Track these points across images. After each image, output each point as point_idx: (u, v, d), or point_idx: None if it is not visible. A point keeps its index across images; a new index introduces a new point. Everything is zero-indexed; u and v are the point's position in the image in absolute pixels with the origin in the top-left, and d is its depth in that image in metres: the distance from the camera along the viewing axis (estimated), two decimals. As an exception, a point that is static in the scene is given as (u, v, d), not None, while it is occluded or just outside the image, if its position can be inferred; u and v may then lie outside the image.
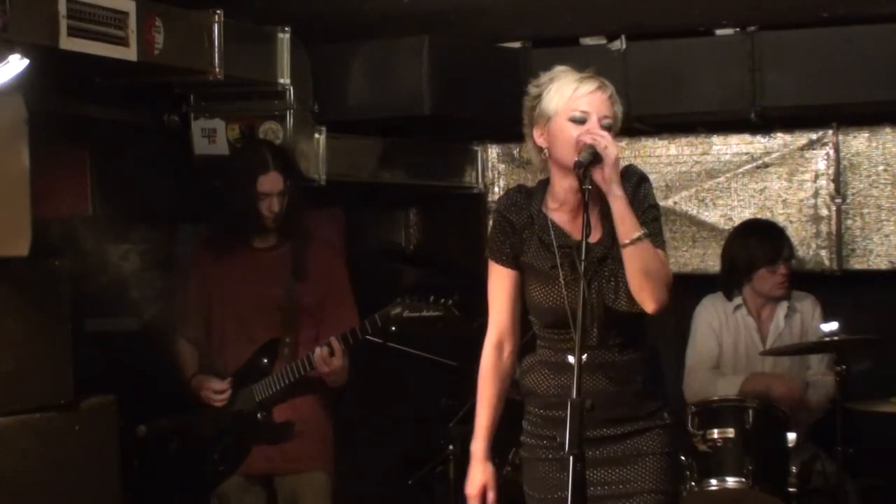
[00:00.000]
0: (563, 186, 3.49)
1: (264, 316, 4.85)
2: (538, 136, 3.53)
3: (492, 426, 3.65)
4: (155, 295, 5.53)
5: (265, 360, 4.82)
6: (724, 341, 5.48)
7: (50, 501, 4.33)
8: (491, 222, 3.67)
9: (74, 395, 4.43)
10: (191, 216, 5.91)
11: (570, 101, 3.46)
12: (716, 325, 5.48)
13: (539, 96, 3.54)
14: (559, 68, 3.59)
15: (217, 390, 4.82)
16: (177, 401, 5.08)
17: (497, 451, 5.08)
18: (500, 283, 3.59)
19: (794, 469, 4.80)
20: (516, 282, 3.58)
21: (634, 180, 3.49)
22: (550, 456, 3.54)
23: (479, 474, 3.61)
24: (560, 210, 3.52)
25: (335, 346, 4.66)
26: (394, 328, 4.68)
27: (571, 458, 3.07)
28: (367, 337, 4.73)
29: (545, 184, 3.58)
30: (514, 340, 3.66)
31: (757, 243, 5.40)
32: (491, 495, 3.57)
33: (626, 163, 3.56)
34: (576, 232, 3.44)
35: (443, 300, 4.66)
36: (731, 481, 4.74)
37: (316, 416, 4.90)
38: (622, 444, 3.50)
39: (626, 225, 3.32)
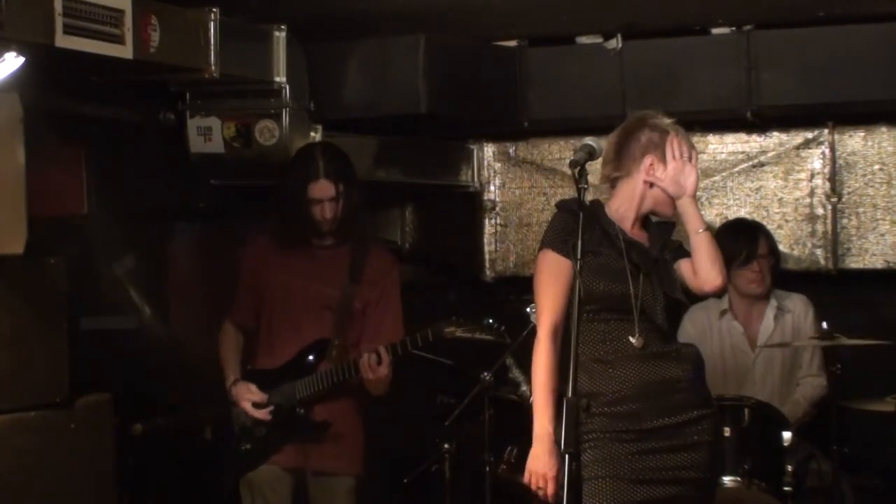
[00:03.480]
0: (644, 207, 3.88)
1: (315, 314, 4.88)
2: (649, 167, 3.82)
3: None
4: (150, 293, 5.54)
5: (311, 358, 4.84)
6: (708, 348, 5.47)
7: (45, 499, 4.33)
8: (554, 218, 3.83)
9: (70, 394, 4.43)
10: (186, 214, 5.92)
11: (662, 140, 3.83)
12: (694, 332, 5.48)
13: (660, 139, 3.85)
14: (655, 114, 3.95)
15: (256, 402, 4.85)
16: (172, 399, 5.09)
17: (492, 450, 5.12)
18: (559, 272, 3.74)
19: (789, 468, 4.80)
20: (572, 273, 3.69)
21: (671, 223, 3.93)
22: (626, 437, 3.65)
23: (555, 456, 3.59)
24: (624, 223, 3.86)
25: (383, 355, 4.70)
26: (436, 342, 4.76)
27: (567, 456, 3.08)
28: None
29: (600, 205, 3.87)
30: (563, 328, 3.78)
31: (731, 241, 5.38)
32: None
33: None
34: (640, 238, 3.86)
35: (496, 325, 4.71)
36: (727, 480, 4.74)
37: (352, 419, 4.94)
38: (685, 431, 3.69)
39: (698, 216, 3.78)
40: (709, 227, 3.81)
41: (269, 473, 4.88)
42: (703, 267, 3.76)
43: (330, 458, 4.88)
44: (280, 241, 4.94)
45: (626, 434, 3.63)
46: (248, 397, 4.85)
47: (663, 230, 3.92)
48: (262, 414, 4.84)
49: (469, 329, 4.70)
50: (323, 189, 4.82)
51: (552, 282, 3.74)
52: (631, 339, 3.69)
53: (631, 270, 3.73)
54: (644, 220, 3.90)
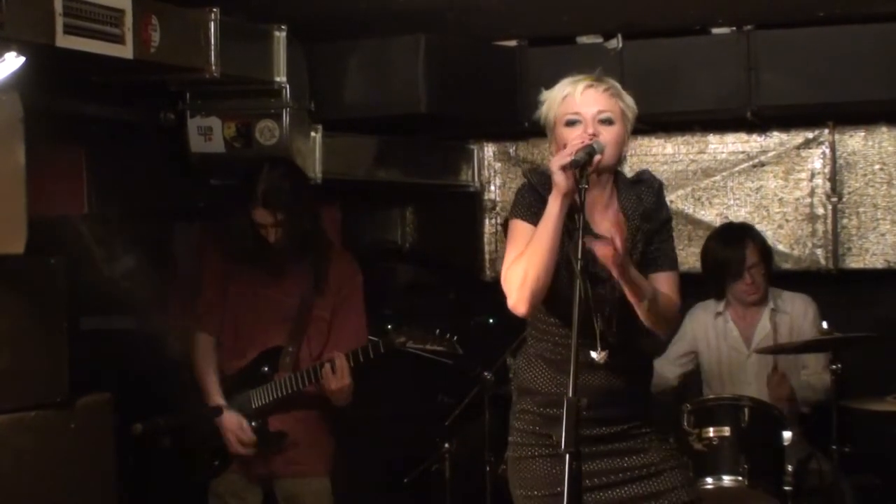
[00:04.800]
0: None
1: (277, 323, 4.83)
2: (553, 149, 3.52)
3: None
4: (150, 293, 5.53)
5: (266, 368, 4.79)
6: (705, 348, 5.49)
7: (45, 499, 4.33)
8: (520, 191, 3.59)
9: (70, 393, 4.43)
10: (186, 214, 5.91)
11: (563, 104, 3.49)
12: (691, 334, 5.55)
13: (541, 107, 3.55)
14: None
15: (245, 444, 4.77)
16: (172, 399, 5.08)
17: (493, 450, 5.12)
18: (528, 237, 3.45)
19: (789, 468, 4.80)
20: None
21: (656, 186, 3.59)
22: (548, 452, 3.53)
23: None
24: (590, 207, 3.51)
25: (339, 363, 4.63)
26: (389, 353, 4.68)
27: (568, 455, 3.07)
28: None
29: None
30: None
31: (722, 253, 5.43)
32: None
33: (629, 163, 3.62)
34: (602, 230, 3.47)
35: (448, 335, 4.64)
36: (726, 480, 4.74)
37: (316, 423, 4.88)
38: (623, 440, 3.55)
39: (635, 294, 3.38)
40: (651, 294, 3.42)
41: (234, 482, 4.86)
42: (645, 323, 3.48)
43: (294, 463, 4.83)
44: (239, 251, 4.86)
45: (546, 439, 3.52)
46: (239, 435, 4.77)
47: (641, 199, 3.56)
48: (243, 450, 4.76)
49: (420, 340, 4.62)
50: (262, 216, 4.74)
51: (521, 245, 3.46)
52: (593, 353, 3.42)
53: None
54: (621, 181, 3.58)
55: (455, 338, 4.64)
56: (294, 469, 4.84)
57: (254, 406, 4.79)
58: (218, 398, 4.83)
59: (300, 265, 4.85)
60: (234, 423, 4.78)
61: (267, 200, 4.71)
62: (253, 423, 4.77)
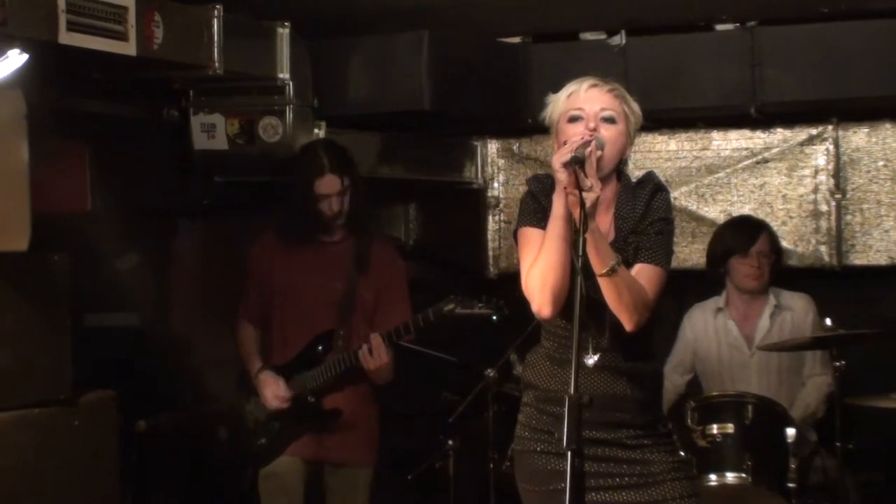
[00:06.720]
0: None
1: (324, 308, 4.94)
2: (555, 147, 3.50)
3: None
4: (153, 290, 5.54)
5: (319, 349, 4.91)
6: (705, 348, 5.46)
7: (48, 497, 4.33)
8: (523, 201, 3.59)
9: (73, 391, 4.43)
10: (190, 211, 5.92)
11: (567, 101, 3.49)
12: (691, 336, 5.52)
13: (547, 108, 3.54)
14: None
15: (280, 398, 4.89)
16: (176, 396, 5.09)
17: (496, 447, 5.12)
18: (539, 241, 3.44)
19: (793, 465, 4.80)
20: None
21: (649, 188, 3.53)
22: (543, 448, 3.52)
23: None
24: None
25: (375, 342, 4.76)
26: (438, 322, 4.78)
27: (570, 453, 3.05)
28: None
29: None
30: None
31: (732, 233, 5.45)
32: None
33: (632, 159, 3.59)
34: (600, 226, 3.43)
35: (494, 299, 4.73)
36: (730, 477, 4.74)
37: (365, 407, 5.01)
38: (623, 447, 3.49)
39: (599, 256, 3.30)
40: (616, 264, 3.31)
41: (289, 465, 4.95)
42: (610, 307, 3.37)
43: (349, 449, 4.96)
44: (287, 238, 4.99)
45: (547, 435, 3.50)
46: (273, 390, 4.89)
47: (635, 204, 3.51)
48: (279, 403, 4.89)
49: (468, 305, 4.70)
50: (329, 184, 4.86)
51: (534, 250, 3.45)
52: (586, 359, 3.42)
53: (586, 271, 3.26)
54: (618, 180, 3.53)
55: (502, 301, 4.71)
56: (345, 456, 4.97)
57: (309, 387, 4.91)
58: (257, 363, 4.99)
59: (344, 248, 4.98)
60: (270, 381, 4.91)
61: (335, 166, 4.86)
62: (310, 399, 4.90)
